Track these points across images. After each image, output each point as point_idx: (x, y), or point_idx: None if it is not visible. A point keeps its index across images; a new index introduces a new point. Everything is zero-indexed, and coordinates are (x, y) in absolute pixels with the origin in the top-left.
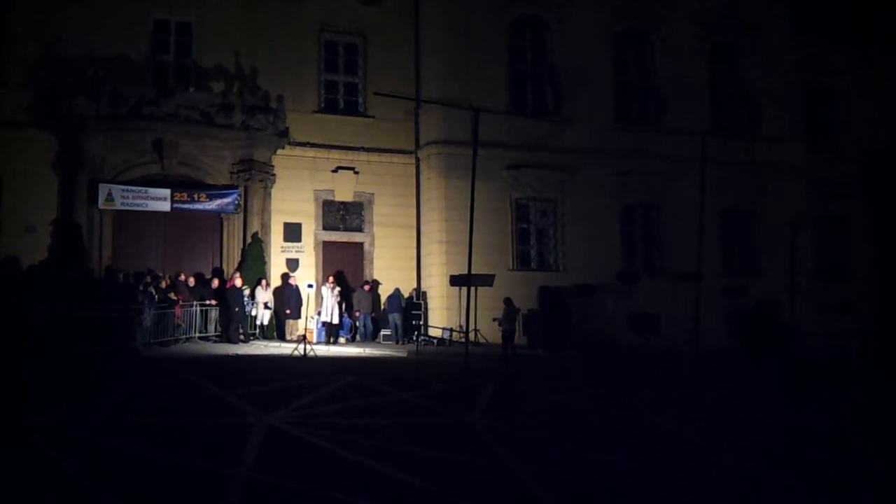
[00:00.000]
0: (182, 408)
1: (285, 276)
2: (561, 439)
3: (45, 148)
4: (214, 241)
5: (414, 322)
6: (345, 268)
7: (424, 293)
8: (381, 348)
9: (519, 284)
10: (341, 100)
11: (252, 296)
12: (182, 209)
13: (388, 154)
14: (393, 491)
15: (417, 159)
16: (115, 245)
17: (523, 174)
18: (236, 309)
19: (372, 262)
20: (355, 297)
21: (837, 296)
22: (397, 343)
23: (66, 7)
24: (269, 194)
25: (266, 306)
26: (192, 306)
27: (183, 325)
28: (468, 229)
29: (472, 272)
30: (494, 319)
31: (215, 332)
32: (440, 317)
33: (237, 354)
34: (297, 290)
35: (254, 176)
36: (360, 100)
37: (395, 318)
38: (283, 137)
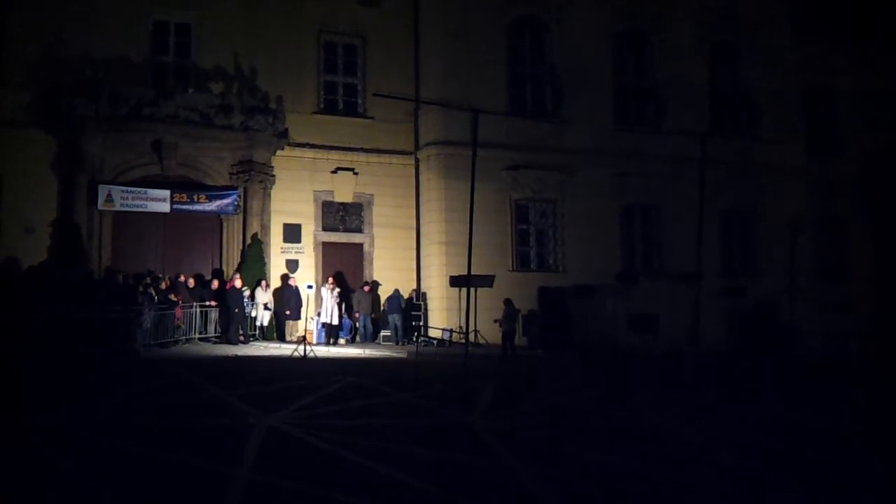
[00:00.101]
0: (182, 409)
1: (285, 277)
2: (561, 440)
3: (45, 148)
4: (214, 242)
5: (414, 323)
6: (344, 269)
7: (424, 294)
8: (381, 349)
9: (519, 285)
10: (341, 101)
11: (252, 297)
12: (181, 210)
13: (387, 155)
14: (393, 492)
15: (417, 160)
16: (114, 246)
17: (523, 175)
18: (236, 310)
19: (371, 263)
20: (355, 298)
21: (837, 296)
22: (397, 344)
23: (66, 7)
24: (269, 195)
25: (266, 307)
26: (191, 307)
27: (183, 327)
28: (468, 230)
29: (472, 273)
30: (496, 321)
31: (215, 333)
32: (440, 318)
33: (237, 355)
34: (296, 291)
35: (253, 177)
36: (360, 101)
37: (394, 319)
38: (282, 138)
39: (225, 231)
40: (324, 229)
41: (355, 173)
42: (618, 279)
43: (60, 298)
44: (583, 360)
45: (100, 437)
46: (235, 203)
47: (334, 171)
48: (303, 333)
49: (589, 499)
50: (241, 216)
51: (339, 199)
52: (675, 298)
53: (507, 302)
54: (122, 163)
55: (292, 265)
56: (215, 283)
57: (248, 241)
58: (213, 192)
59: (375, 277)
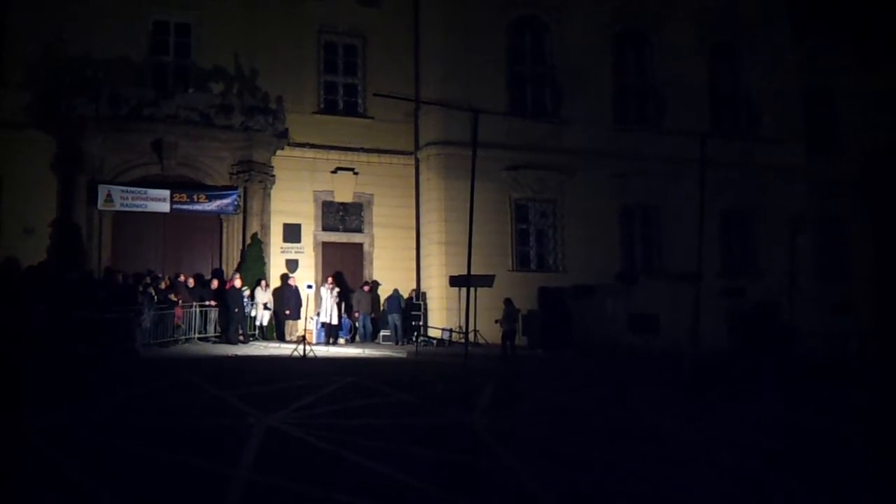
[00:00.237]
0: (182, 408)
1: (285, 277)
2: (561, 439)
3: (45, 149)
4: (214, 241)
5: (413, 323)
6: (344, 268)
7: (424, 294)
8: (381, 349)
9: (518, 285)
10: (341, 101)
11: (252, 296)
12: (181, 210)
13: (387, 155)
14: (393, 491)
15: (417, 160)
16: (114, 246)
17: (523, 175)
18: (236, 310)
19: (371, 263)
20: (355, 297)
21: (837, 296)
22: (397, 344)
23: (66, 7)
24: (269, 195)
25: (265, 307)
26: (191, 307)
27: (182, 326)
28: (468, 230)
29: (472, 273)
30: (496, 321)
31: (215, 332)
32: (440, 317)
33: (237, 355)
34: (296, 290)
35: (253, 177)
36: (360, 101)
37: (394, 318)
38: (282, 138)
39: (225, 231)
40: (324, 229)
41: (355, 173)
42: (618, 279)
43: (60, 298)
44: (583, 360)
45: (100, 437)
46: (235, 203)
47: (334, 171)
48: (302, 333)
49: (589, 499)
50: (240, 216)
51: (338, 199)
52: (676, 298)
53: (507, 302)
54: (121, 163)
55: (292, 265)
56: (215, 283)
57: (248, 240)
58: (213, 191)
59: (375, 277)
